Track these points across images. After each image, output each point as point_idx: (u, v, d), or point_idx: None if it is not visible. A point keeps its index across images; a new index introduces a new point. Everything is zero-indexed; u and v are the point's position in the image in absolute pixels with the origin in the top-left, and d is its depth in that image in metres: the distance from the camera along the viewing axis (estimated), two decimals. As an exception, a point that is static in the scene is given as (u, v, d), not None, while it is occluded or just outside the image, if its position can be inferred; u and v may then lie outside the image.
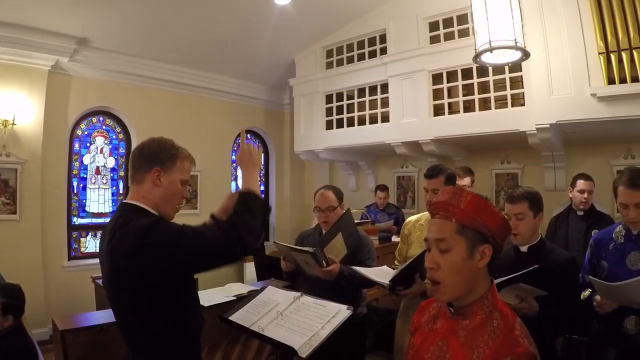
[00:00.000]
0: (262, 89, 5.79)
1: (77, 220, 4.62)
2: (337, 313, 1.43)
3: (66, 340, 2.29)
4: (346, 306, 1.46)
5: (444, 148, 4.33)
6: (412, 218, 2.28)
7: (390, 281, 1.78)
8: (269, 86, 5.77)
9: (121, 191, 5.01)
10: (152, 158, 1.17)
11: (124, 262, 1.05)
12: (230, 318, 1.54)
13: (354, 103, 4.72)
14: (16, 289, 2.05)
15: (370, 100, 4.61)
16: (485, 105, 3.78)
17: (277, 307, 1.55)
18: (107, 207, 4.82)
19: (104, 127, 4.82)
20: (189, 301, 1.19)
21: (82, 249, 4.67)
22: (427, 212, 2.11)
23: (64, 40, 4.16)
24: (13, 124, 4.00)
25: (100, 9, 4.00)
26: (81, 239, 4.65)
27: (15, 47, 3.97)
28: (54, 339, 2.78)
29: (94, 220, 4.72)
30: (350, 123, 4.73)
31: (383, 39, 4.55)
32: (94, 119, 4.75)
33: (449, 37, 4.09)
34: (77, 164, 4.65)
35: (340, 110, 4.98)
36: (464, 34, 3.90)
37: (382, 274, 1.96)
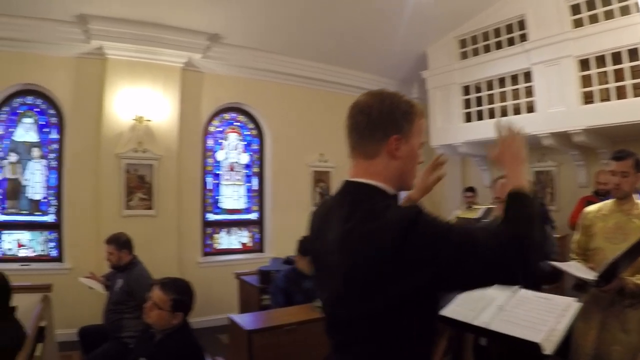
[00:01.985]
0: (391, 83, 6.57)
1: (210, 217, 5.57)
2: (567, 306, 1.61)
3: (253, 341, 2.61)
4: (572, 299, 1.65)
5: (594, 138, 4.83)
6: (591, 208, 2.59)
7: (598, 276, 2.06)
8: (397, 80, 6.61)
9: (255, 187, 5.88)
10: (386, 122, 1.11)
11: (372, 263, 0.99)
12: (445, 314, 1.74)
13: (494, 94, 5.33)
14: (186, 285, 2.34)
15: (512, 90, 5.16)
16: (637, 91, 4.24)
17: (495, 301, 1.73)
18: (241, 204, 5.78)
19: (236, 124, 5.78)
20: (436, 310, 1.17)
21: (216, 245, 5.60)
22: (608, 201, 2.49)
23: (196, 37, 5.07)
24: (148, 121, 4.91)
25: (229, 6, 4.75)
26: (215, 235, 5.61)
27: (149, 45, 4.91)
28: (232, 338, 3.07)
29: (228, 217, 5.69)
30: (492, 115, 5.35)
31: (521, 25, 5.15)
32: (227, 116, 5.71)
33: (593, 20, 4.53)
34: (210, 160, 5.58)
35: (479, 102, 5.56)
36: (609, 15, 4.35)
37: (576, 268, 2.29)
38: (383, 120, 1.14)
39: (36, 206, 4.97)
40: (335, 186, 6.06)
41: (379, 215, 1.05)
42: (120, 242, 3.58)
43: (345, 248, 1.08)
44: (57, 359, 3.80)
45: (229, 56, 5.44)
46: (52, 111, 5.03)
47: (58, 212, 5.00)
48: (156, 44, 4.94)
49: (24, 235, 4.92)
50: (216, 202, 5.67)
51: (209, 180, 5.61)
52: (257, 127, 5.93)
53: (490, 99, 5.52)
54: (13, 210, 4.88)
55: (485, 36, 5.63)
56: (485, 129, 5.34)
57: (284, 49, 5.58)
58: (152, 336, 2.34)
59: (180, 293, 2.29)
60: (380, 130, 1.14)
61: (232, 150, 5.78)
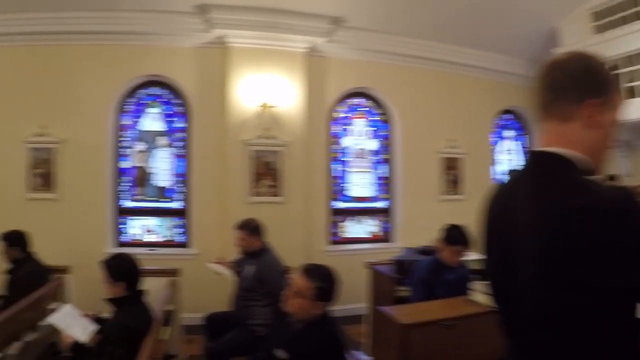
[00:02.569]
0: (519, 62, 6.48)
1: (337, 205, 5.72)
2: None
3: (409, 336, 2.52)
4: None
5: None
6: None
7: None
8: (525, 59, 6.44)
9: (384, 175, 5.93)
10: (586, 83, 1.07)
11: (575, 248, 0.90)
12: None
13: (635, 70, 5.07)
14: (330, 273, 2.29)
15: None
16: None
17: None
18: (369, 192, 5.89)
19: (363, 109, 5.91)
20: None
21: (343, 234, 5.78)
22: None
23: (318, 21, 5.20)
24: (273, 107, 5.08)
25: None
26: (342, 223, 5.79)
27: (270, 31, 5.11)
28: (378, 332, 3.09)
29: (355, 205, 5.84)
30: (632, 94, 5.08)
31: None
32: (352, 101, 5.84)
33: None
34: (336, 146, 5.75)
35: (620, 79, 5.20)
36: None
37: None
38: (583, 80, 1.08)
39: (162, 193, 5.36)
40: (465, 174, 6.19)
41: (584, 189, 0.95)
42: (251, 228, 3.71)
43: (541, 227, 0.98)
44: (182, 342, 4.08)
45: (352, 40, 5.55)
46: (177, 100, 5.39)
47: (185, 199, 5.34)
48: (278, 30, 5.13)
49: (151, 221, 5.33)
50: (342, 189, 5.80)
51: (335, 167, 5.76)
52: (385, 112, 5.99)
53: (631, 77, 5.30)
54: (141, 197, 5.33)
55: (622, 6, 5.41)
56: (626, 110, 5.23)
57: (406, 30, 5.62)
58: (288, 326, 2.32)
59: (325, 280, 2.26)
60: (577, 90, 1.08)
61: (359, 137, 5.91)
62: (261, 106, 5.10)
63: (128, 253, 2.95)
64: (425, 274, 3.39)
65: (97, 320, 2.92)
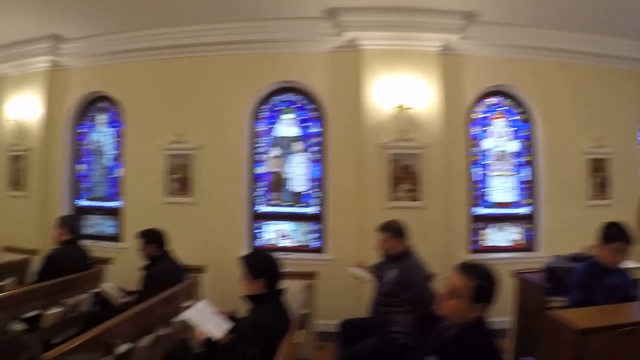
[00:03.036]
0: None
1: (478, 210, 5.63)
2: None
3: (586, 342, 2.42)
4: None
5: None
6: None
7: None
8: None
9: (526, 178, 5.77)
10: None
11: None
12: None
13: None
14: (490, 272, 2.17)
15: None
16: None
17: None
18: (511, 197, 5.72)
19: (501, 109, 5.81)
20: None
21: (483, 242, 5.68)
22: None
23: (450, 17, 5.19)
24: (409, 109, 5.14)
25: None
26: (482, 230, 5.68)
27: (402, 31, 5.19)
28: (549, 337, 2.85)
29: (497, 211, 5.70)
30: None
31: None
32: (491, 100, 5.77)
33: None
34: (476, 149, 5.69)
35: None
36: None
37: None
38: None
39: (298, 198, 5.64)
40: (615, 176, 5.77)
41: None
42: (394, 230, 3.70)
43: None
44: (313, 348, 4.19)
45: (486, 35, 5.49)
46: (311, 106, 5.64)
47: (321, 204, 5.56)
48: (410, 29, 5.21)
49: (286, 226, 5.61)
50: (483, 194, 5.73)
51: (476, 170, 5.70)
52: (525, 110, 5.87)
53: None
54: (276, 202, 5.64)
55: None
56: None
57: (545, 22, 5.47)
58: (440, 331, 2.25)
59: (484, 279, 2.14)
60: None
61: (499, 138, 5.81)
62: (397, 108, 5.18)
63: (268, 250, 3.07)
64: (584, 277, 3.24)
65: (231, 318, 3.05)
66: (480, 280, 2.14)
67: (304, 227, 5.69)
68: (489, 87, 5.75)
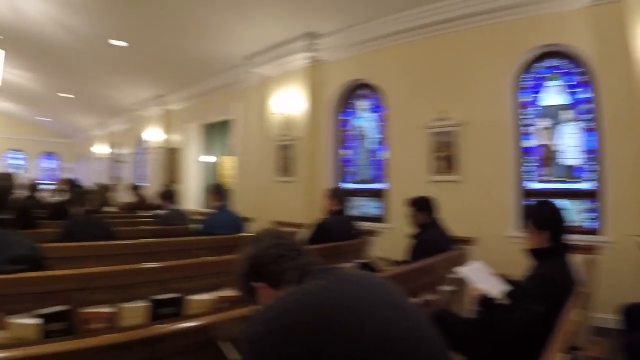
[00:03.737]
0: None
1: None
2: None
3: None
4: None
5: None
6: None
7: None
8: None
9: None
10: None
11: None
12: None
13: None
14: None
15: None
16: None
17: None
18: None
19: None
20: None
21: None
22: None
23: None
24: None
25: None
26: None
27: None
28: None
29: None
30: None
31: None
32: None
33: None
34: None
35: None
36: None
37: None
38: None
39: (570, 173, 5.60)
40: None
41: None
42: None
43: None
44: (589, 338, 4.31)
45: None
46: (578, 70, 5.53)
47: (598, 179, 5.41)
48: None
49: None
50: None
51: None
52: None
53: None
54: (547, 178, 5.72)
55: None
56: None
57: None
58: None
59: None
60: None
61: None
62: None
63: (554, 202, 3.01)
64: None
65: (508, 282, 3.10)
66: None
67: (578, 205, 5.60)
68: None
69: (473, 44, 6.17)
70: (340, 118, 7.74)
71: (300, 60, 7.86)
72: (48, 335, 2.35)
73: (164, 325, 2.05)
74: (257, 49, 8.24)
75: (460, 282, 3.51)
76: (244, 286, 1.75)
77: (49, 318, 2.37)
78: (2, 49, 7.16)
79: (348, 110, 7.69)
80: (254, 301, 1.71)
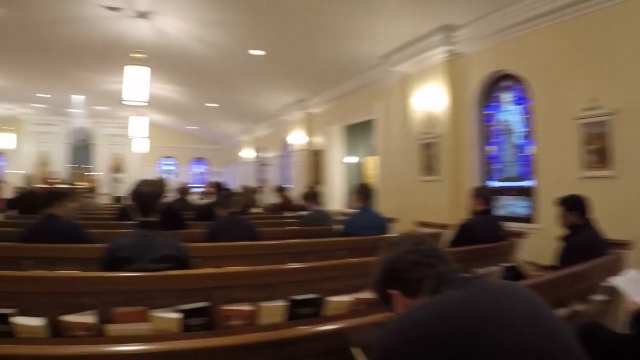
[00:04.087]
0: None
1: None
2: None
3: None
4: None
5: None
6: None
7: None
8: None
9: None
10: None
11: None
12: None
13: None
14: None
15: None
16: None
17: None
18: None
19: None
20: None
21: None
22: None
23: None
24: None
25: None
26: None
27: None
28: None
29: None
30: None
31: None
32: None
33: None
34: None
35: None
36: None
37: None
38: None
39: None
40: None
41: None
42: None
43: None
44: None
45: None
46: None
47: None
48: None
49: None
50: None
51: None
52: None
53: None
54: None
55: None
56: None
57: None
58: None
59: None
60: None
61: None
62: None
63: None
64: None
65: None
66: None
67: None
68: None
69: (629, 19, 5.76)
70: (484, 112, 7.67)
71: (437, 54, 7.93)
72: (188, 329, 2.63)
73: (302, 327, 2.24)
74: (393, 46, 8.44)
75: (614, 291, 3.35)
76: (379, 292, 1.77)
77: (189, 313, 2.66)
78: (147, 66, 8.11)
79: (492, 104, 7.60)
80: (390, 308, 1.73)
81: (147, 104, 9.12)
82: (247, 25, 8.40)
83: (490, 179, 7.67)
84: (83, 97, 15.89)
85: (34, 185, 10.47)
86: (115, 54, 9.75)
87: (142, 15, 8.19)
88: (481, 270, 4.28)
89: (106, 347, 2.01)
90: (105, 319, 2.59)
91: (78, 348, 2.03)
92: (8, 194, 13.33)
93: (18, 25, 8.84)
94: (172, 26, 8.62)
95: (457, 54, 7.80)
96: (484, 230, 4.99)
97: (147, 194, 3.36)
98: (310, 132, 14.04)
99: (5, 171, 19.24)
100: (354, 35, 8.20)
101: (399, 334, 1.42)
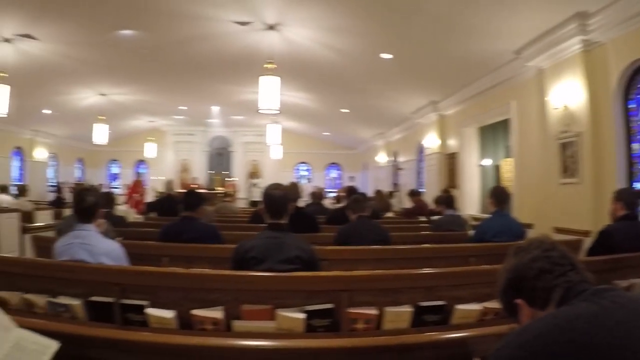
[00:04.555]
0: None
1: None
2: None
3: None
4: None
5: None
6: None
7: None
8: None
9: None
10: None
11: None
12: None
13: None
14: None
15: None
16: None
17: None
18: None
19: None
20: None
21: None
22: None
23: None
24: None
25: None
26: None
27: None
28: None
29: None
30: None
31: None
32: None
33: None
34: None
35: None
36: None
37: None
38: None
39: None
40: None
41: None
42: None
43: None
44: None
45: None
46: None
47: None
48: None
49: None
50: None
51: None
52: None
53: None
54: None
55: None
56: None
57: None
58: None
59: None
60: None
61: None
62: None
63: None
64: None
65: None
66: None
67: None
68: None
69: None
70: (627, 106, 7.05)
71: (573, 45, 7.50)
72: (311, 329, 2.74)
73: (425, 334, 2.28)
74: (526, 40, 8.13)
75: None
76: (504, 302, 1.70)
77: (314, 314, 2.77)
78: (277, 75, 8.62)
79: (637, 96, 6.98)
80: (515, 319, 1.64)
81: (278, 111, 9.63)
82: (374, 29, 8.52)
83: (637, 180, 7.04)
84: (219, 107, 17.29)
85: (174, 190, 11.35)
86: (247, 65, 10.41)
87: (271, 27, 8.65)
88: (622, 283, 4.02)
89: (230, 341, 2.22)
90: (233, 315, 2.79)
91: (203, 339, 2.27)
92: (150, 198, 14.88)
93: (159, 46, 9.83)
94: (300, 36, 8.99)
95: (594, 43, 7.28)
96: (625, 238, 4.57)
97: (277, 197, 3.56)
98: (443, 135, 13.89)
99: (148, 177, 21.35)
100: (483, 31, 8.04)
101: (517, 348, 1.37)
